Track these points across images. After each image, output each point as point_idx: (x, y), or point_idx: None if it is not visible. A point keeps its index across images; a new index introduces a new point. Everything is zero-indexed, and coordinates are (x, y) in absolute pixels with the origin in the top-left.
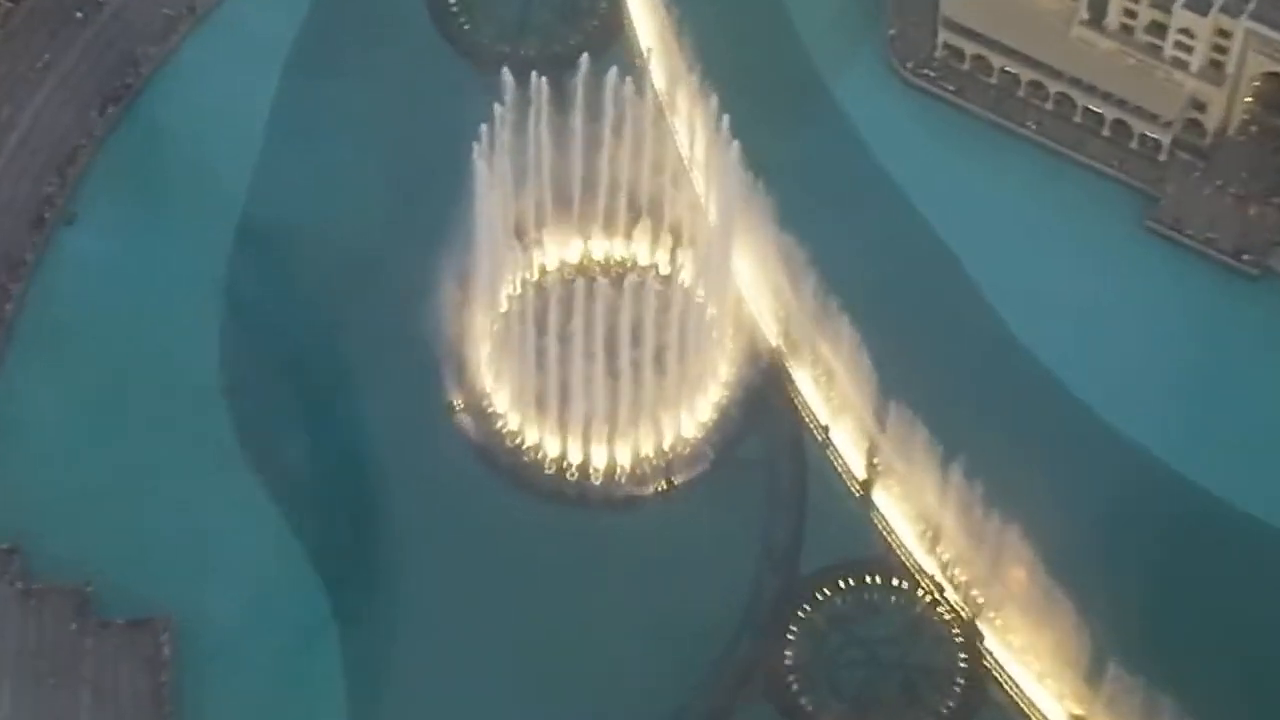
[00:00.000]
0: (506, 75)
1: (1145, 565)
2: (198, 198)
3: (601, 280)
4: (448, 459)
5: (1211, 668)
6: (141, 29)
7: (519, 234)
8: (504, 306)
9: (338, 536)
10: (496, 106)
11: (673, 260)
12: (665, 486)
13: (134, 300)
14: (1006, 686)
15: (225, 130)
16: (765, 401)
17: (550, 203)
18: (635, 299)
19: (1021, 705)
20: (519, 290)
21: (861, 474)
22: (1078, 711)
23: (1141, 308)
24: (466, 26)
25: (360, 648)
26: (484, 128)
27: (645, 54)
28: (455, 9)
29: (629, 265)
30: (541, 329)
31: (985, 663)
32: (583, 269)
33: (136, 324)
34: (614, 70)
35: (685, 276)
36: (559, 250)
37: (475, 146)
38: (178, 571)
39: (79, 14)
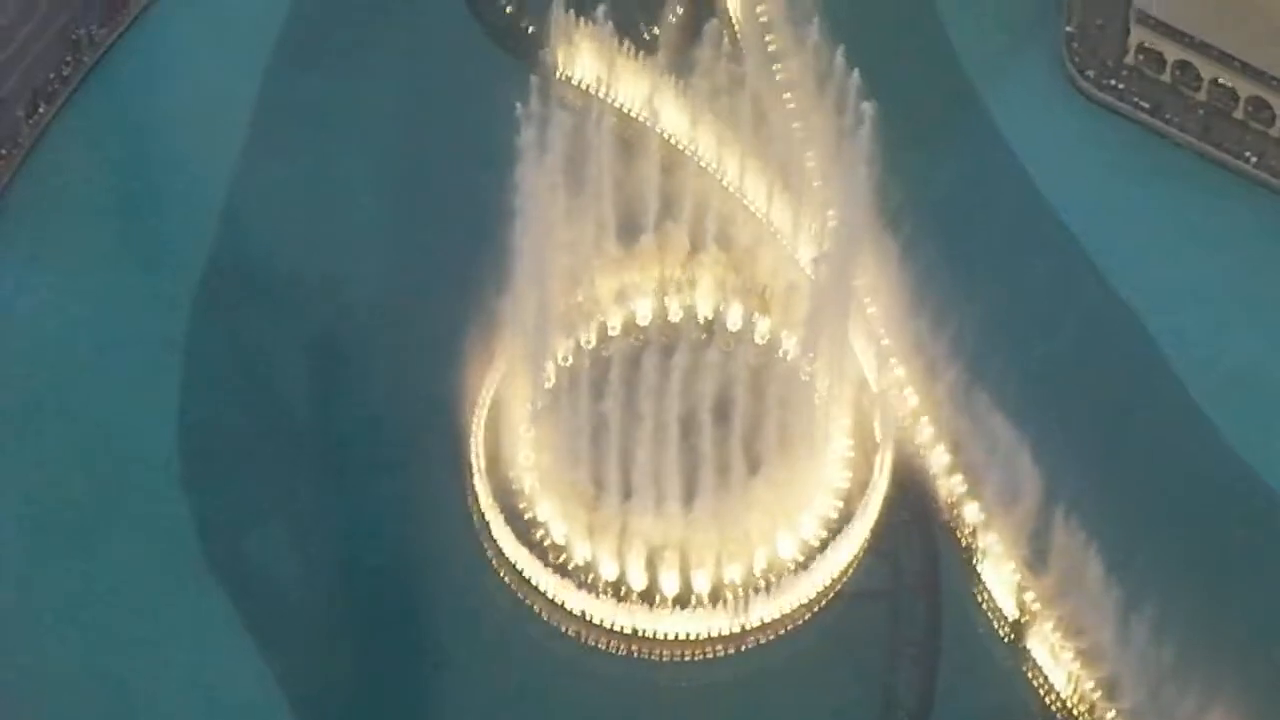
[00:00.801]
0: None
1: None
2: (150, 229)
3: (681, 347)
4: (468, 576)
5: None
6: (86, 3)
7: (572, 280)
8: (550, 380)
9: (323, 670)
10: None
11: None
12: (757, 625)
13: (63, 365)
14: None
15: (189, 139)
16: (891, 516)
17: (615, 238)
18: (722, 375)
19: None
20: (569, 359)
21: (1013, 611)
22: None
23: None
24: (509, 8)
25: None
26: (527, 134)
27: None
28: None
29: (717, 328)
30: (600, 411)
31: None
32: (656, 331)
33: (70, 396)
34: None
35: (789, 345)
36: (624, 304)
37: (517, 164)
38: (120, 709)
39: None
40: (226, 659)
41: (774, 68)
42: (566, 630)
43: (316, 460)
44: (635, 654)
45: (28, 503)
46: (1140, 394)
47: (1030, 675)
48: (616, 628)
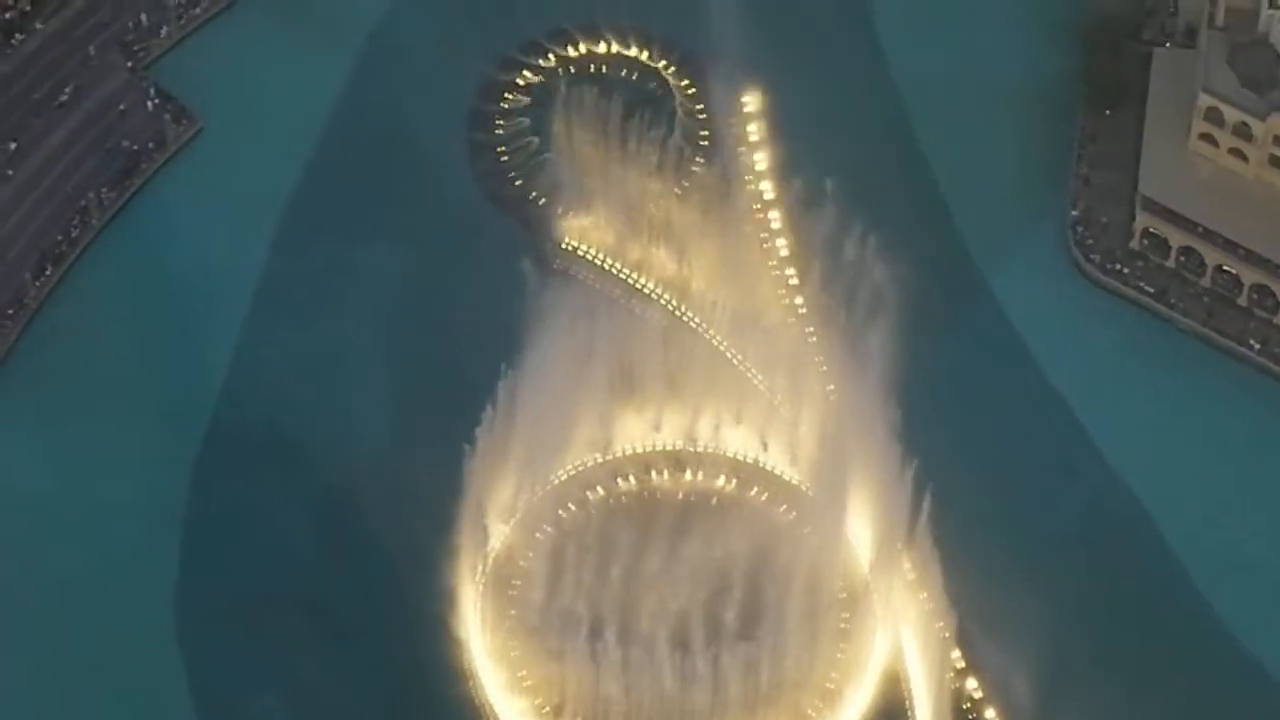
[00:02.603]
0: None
1: None
2: (154, 393)
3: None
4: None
5: None
6: (95, 168)
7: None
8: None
9: None
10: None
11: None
12: None
13: (63, 528)
14: None
15: (194, 305)
16: (889, 691)
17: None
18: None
19: None
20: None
21: None
22: None
23: None
24: (519, 182)
25: None
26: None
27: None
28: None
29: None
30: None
31: None
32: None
33: (68, 559)
34: None
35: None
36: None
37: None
38: None
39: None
40: None
41: (778, 245)
42: None
43: (314, 626)
44: None
45: (25, 665)
46: (1143, 578)
47: None
48: None
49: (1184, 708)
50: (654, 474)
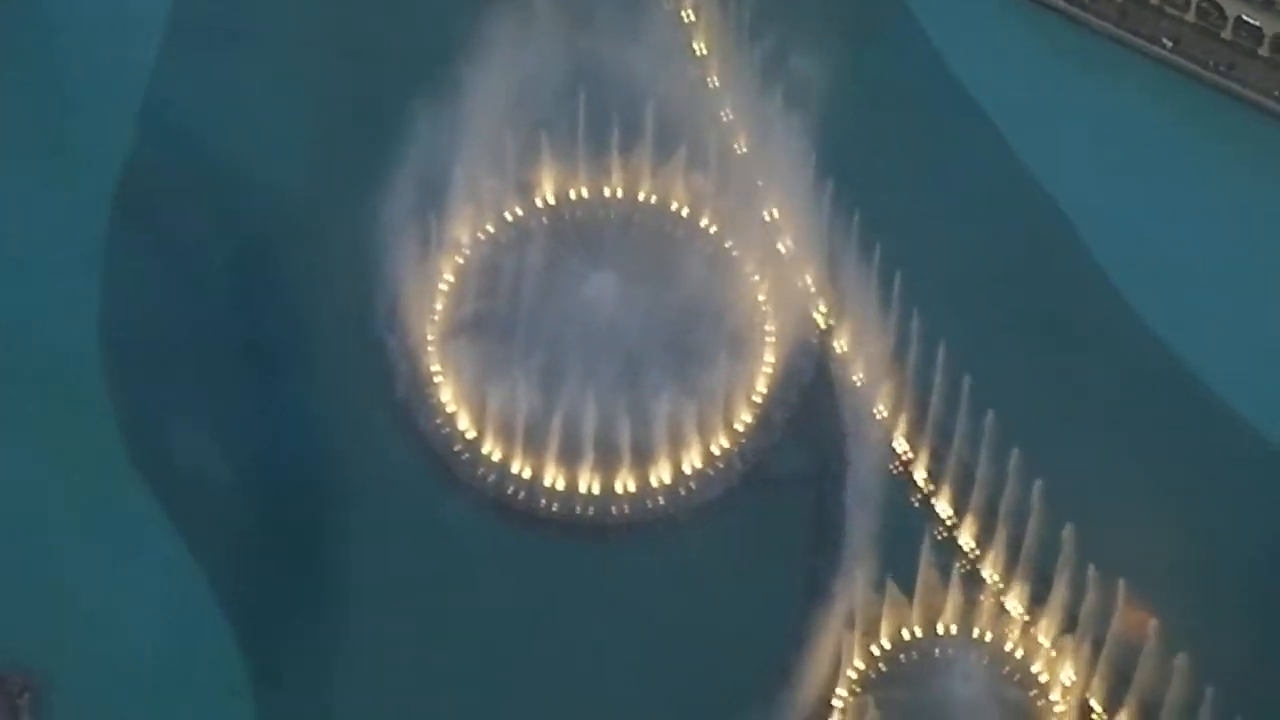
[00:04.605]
0: None
1: None
2: (69, 129)
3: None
4: (392, 470)
5: None
6: None
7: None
8: (467, 252)
9: (253, 571)
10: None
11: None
12: (681, 509)
13: None
14: None
15: (106, 40)
16: (815, 403)
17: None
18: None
19: None
20: (490, 231)
21: (925, 485)
22: None
23: None
24: None
25: (282, 709)
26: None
27: None
28: None
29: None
30: (518, 282)
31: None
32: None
33: None
34: None
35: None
36: (548, 187)
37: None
38: (43, 616)
39: None
40: (156, 557)
41: None
42: (490, 515)
43: (239, 360)
44: (559, 538)
45: None
46: (1062, 282)
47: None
48: (539, 511)
49: (1110, 410)
50: (578, 206)
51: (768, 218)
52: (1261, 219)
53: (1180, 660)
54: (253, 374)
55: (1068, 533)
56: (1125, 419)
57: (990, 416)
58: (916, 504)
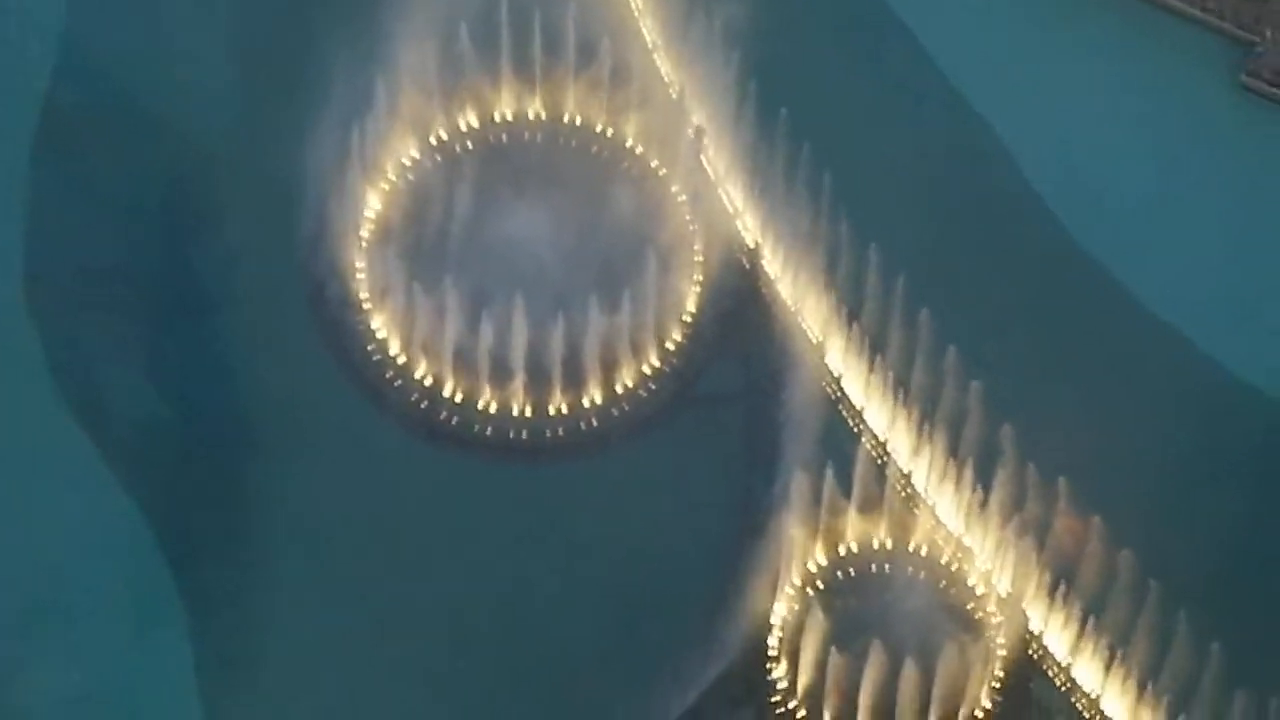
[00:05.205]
0: None
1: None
2: None
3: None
4: (324, 396)
5: None
6: None
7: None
8: (392, 178)
9: (186, 503)
10: None
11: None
12: (611, 429)
13: None
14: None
15: None
16: (746, 320)
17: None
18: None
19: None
20: (415, 156)
21: (861, 400)
22: None
23: (1233, 186)
24: None
25: (217, 638)
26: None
27: None
28: None
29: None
30: (445, 205)
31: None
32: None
33: None
34: None
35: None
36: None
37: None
38: None
39: None
40: (88, 493)
41: None
42: (421, 440)
43: (167, 296)
44: (492, 462)
45: None
46: (989, 192)
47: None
48: (471, 435)
49: (1041, 313)
50: (502, 128)
51: (692, 134)
52: (1182, 116)
53: (1125, 556)
54: (181, 309)
55: (1005, 433)
56: (1057, 322)
57: (924, 316)
58: (850, 417)
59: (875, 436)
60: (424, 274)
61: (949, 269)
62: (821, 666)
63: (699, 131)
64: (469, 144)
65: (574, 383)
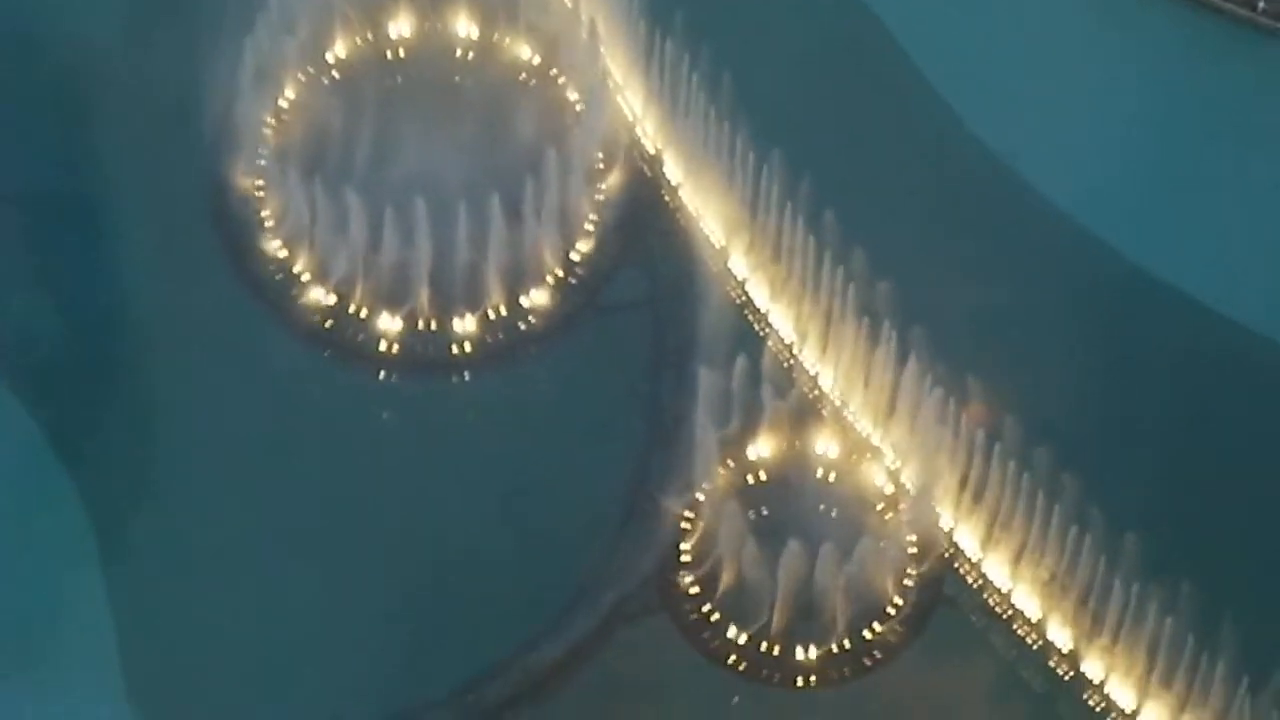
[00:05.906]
0: None
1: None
2: None
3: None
4: (227, 316)
5: None
6: None
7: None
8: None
9: (90, 425)
10: None
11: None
12: (519, 345)
13: None
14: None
15: None
16: (649, 225)
17: None
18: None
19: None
20: (311, 72)
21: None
22: None
23: (1123, 75)
24: None
25: (130, 571)
26: None
27: None
28: None
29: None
30: (343, 122)
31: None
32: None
33: None
34: None
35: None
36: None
37: None
38: None
39: None
40: None
41: None
42: (327, 359)
43: (65, 213)
44: (399, 380)
45: None
46: (881, 82)
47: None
48: (377, 353)
49: (938, 207)
50: (400, 44)
51: (586, 36)
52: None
53: (1040, 453)
54: (80, 227)
55: (915, 334)
56: (953, 213)
57: (829, 218)
58: (757, 321)
59: (782, 339)
60: (324, 190)
61: (855, 170)
62: (735, 570)
63: (595, 36)
64: (367, 59)
65: (478, 297)
